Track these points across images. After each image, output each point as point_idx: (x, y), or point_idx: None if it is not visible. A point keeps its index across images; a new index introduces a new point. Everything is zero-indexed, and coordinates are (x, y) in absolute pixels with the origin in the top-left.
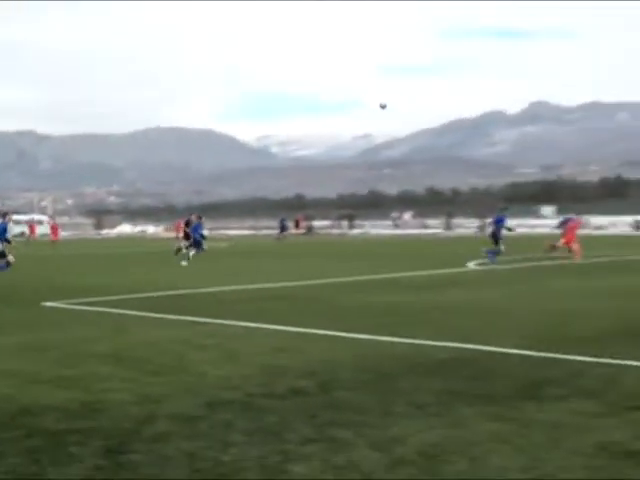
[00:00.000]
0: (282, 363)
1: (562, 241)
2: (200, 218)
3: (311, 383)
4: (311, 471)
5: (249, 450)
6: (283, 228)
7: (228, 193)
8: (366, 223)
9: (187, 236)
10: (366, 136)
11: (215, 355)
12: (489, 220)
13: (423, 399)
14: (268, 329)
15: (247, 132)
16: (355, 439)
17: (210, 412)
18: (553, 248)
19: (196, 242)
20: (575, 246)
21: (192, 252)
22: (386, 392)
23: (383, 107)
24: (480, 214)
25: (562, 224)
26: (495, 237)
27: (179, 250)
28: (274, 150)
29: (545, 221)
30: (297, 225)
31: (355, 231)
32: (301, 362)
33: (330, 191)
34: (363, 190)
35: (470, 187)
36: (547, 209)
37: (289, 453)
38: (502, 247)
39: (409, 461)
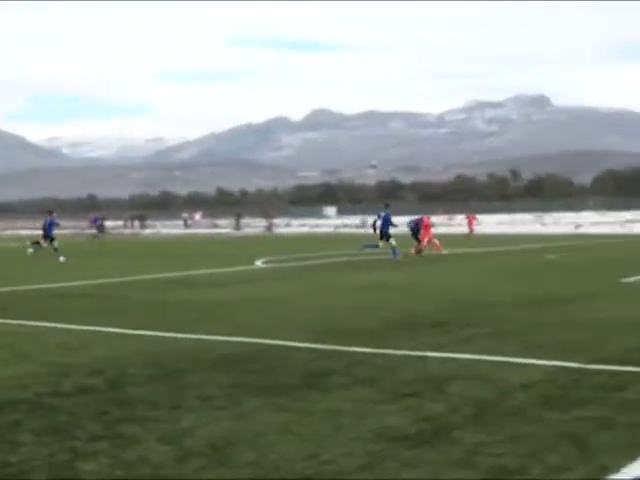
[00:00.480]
0: (71, 361)
1: (425, 241)
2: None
3: (99, 380)
4: (101, 468)
5: (38, 450)
6: (100, 228)
7: (16, 194)
8: (157, 223)
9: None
10: (157, 139)
11: (4, 355)
12: (374, 218)
13: (210, 392)
14: (57, 328)
15: (37, 133)
16: (145, 434)
17: None
18: (419, 252)
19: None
20: (435, 241)
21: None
22: (174, 387)
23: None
24: (267, 214)
25: (416, 225)
26: (385, 234)
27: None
28: (65, 151)
29: (328, 221)
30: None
31: (147, 231)
32: (90, 360)
33: (122, 192)
34: (154, 191)
35: (257, 189)
36: (330, 210)
37: (78, 451)
38: (381, 244)
39: (198, 453)
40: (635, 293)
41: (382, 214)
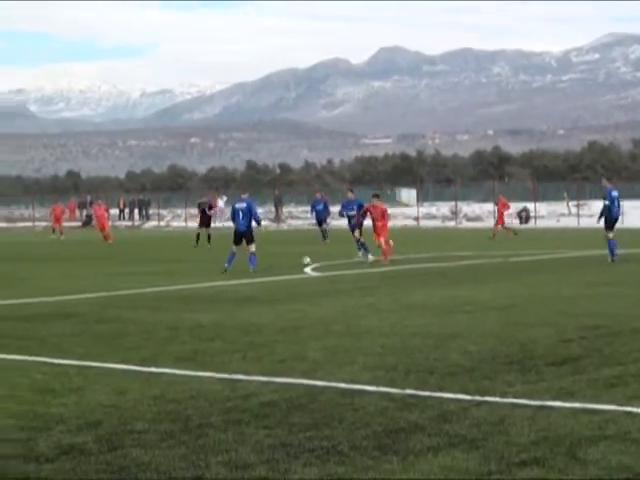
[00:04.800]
0: (50, 411)
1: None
2: None
3: (91, 438)
4: None
5: None
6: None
7: None
8: (165, 212)
9: None
10: (163, 92)
11: None
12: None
13: (244, 458)
14: (31, 362)
15: None
16: None
17: None
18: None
19: None
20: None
21: None
22: (195, 449)
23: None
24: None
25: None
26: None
27: None
28: (32, 109)
29: (405, 209)
30: None
31: (150, 223)
32: (78, 408)
33: (113, 168)
34: (160, 167)
35: (304, 162)
36: (407, 193)
37: None
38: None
39: None
40: None
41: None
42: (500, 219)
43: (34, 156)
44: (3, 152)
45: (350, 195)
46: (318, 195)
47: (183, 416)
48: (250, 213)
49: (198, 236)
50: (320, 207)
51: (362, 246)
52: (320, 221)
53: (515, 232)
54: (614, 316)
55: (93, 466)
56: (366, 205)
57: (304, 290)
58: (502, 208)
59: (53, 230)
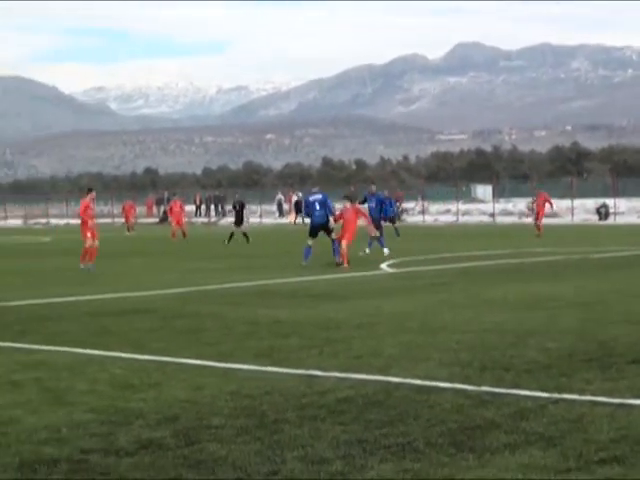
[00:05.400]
0: (129, 406)
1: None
2: None
3: (168, 433)
4: None
5: None
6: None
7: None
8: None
9: None
10: (238, 89)
11: (33, 395)
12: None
13: (320, 453)
14: (108, 357)
15: (74, 81)
16: None
17: (25, 478)
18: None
19: None
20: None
21: None
22: (271, 445)
23: None
24: (395, 195)
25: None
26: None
27: None
28: (112, 106)
29: (482, 205)
30: None
31: (227, 219)
32: (156, 404)
33: (189, 164)
34: (235, 163)
35: (379, 158)
36: (483, 189)
37: None
38: None
39: None
40: None
41: None
42: (539, 215)
43: (114, 153)
44: (84, 149)
45: (373, 188)
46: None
47: (259, 412)
48: (326, 204)
49: (232, 235)
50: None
51: (377, 240)
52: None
53: (539, 235)
54: None
55: (171, 460)
56: (337, 213)
57: (380, 286)
58: (542, 205)
59: (127, 228)
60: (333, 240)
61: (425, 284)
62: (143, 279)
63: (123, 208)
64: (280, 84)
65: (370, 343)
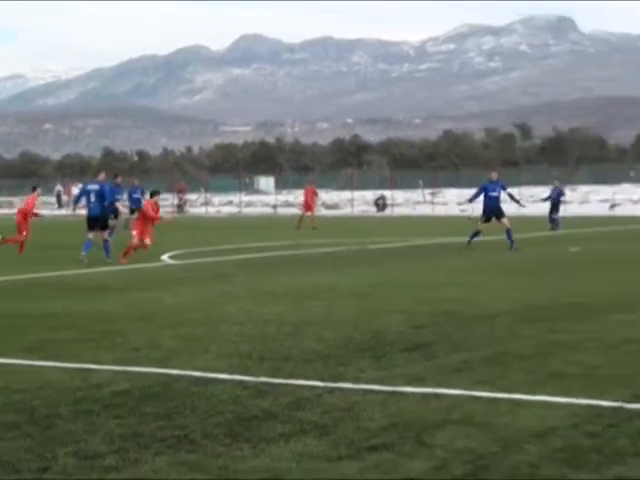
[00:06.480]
0: None
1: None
2: None
3: None
4: None
5: None
6: None
7: None
8: (16, 200)
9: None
10: (15, 77)
11: None
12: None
13: (94, 448)
14: None
15: None
16: None
17: None
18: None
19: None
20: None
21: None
22: (42, 441)
23: None
24: (177, 188)
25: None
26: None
27: None
28: None
29: (264, 197)
30: None
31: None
32: None
33: None
34: (11, 153)
35: (162, 150)
36: (265, 181)
37: None
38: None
39: None
40: None
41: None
42: (309, 206)
43: None
44: None
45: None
46: (136, 182)
47: (30, 407)
48: (102, 195)
49: None
50: (137, 195)
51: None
52: (132, 210)
53: (314, 227)
54: (465, 302)
55: None
56: (145, 202)
57: (160, 278)
58: (311, 198)
59: None
60: (105, 240)
61: (207, 276)
62: None
63: None
64: (59, 73)
65: (149, 336)
